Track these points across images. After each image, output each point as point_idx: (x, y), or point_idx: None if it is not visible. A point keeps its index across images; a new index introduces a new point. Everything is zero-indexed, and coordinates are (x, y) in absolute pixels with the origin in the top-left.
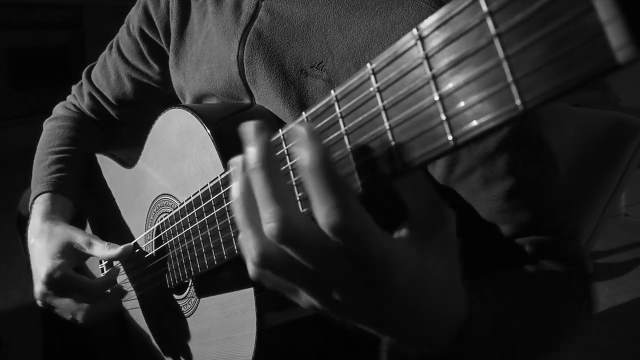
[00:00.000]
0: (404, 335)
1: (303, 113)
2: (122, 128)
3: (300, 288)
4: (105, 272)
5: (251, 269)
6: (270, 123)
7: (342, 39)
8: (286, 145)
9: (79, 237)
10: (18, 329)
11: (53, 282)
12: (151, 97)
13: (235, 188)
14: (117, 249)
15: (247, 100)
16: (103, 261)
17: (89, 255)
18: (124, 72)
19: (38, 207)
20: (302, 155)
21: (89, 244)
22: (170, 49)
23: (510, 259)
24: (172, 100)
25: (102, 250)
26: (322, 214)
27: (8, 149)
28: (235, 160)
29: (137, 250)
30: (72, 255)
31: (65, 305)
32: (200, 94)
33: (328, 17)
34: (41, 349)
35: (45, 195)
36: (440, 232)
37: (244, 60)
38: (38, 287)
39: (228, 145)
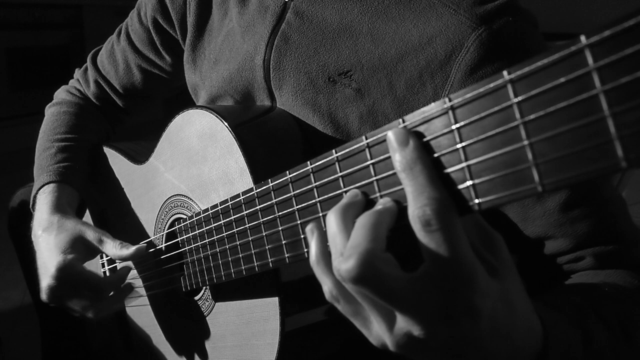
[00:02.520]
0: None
1: (363, 137)
2: (126, 117)
3: (377, 320)
4: (108, 268)
5: (329, 288)
6: (293, 127)
7: (374, 49)
8: (340, 168)
9: (90, 233)
10: (18, 329)
11: (63, 278)
12: (160, 88)
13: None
14: (129, 249)
15: (267, 103)
16: (104, 256)
17: (99, 252)
18: (134, 62)
19: (45, 198)
20: (400, 157)
21: (100, 241)
22: (187, 44)
23: (555, 277)
24: (180, 92)
25: (113, 249)
26: (419, 205)
27: (8, 149)
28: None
29: (150, 250)
30: (82, 251)
31: (73, 302)
32: (217, 93)
33: (361, 27)
34: (40, 350)
35: (52, 185)
36: (498, 258)
37: (271, 66)
38: (46, 282)
39: (253, 150)
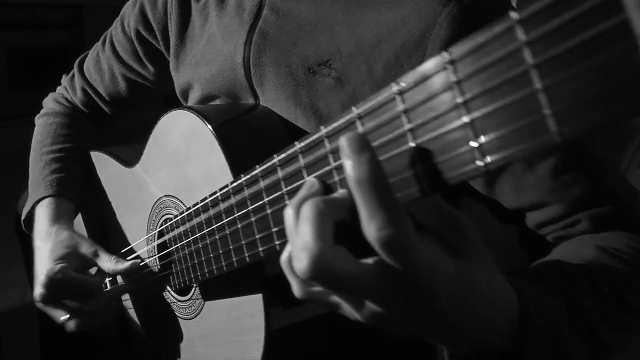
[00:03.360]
0: (457, 339)
1: (322, 127)
2: (114, 123)
3: (347, 306)
4: (108, 280)
5: (295, 288)
6: (277, 125)
7: (351, 36)
8: (303, 159)
9: (85, 246)
10: (18, 330)
11: (52, 284)
12: (145, 96)
13: (294, 200)
14: (124, 264)
15: (251, 101)
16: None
17: (93, 264)
18: (119, 71)
19: (43, 211)
20: (351, 168)
21: (96, 254)
22: (171, 52)
23: (554, 245)
24: (165, 99)
25: (108, 263)
26: (374, 228)
27: (8, 149)
28: (309, 179)
29: (130, 257)
30: (75, 262)
31: (62, 308)
32: (202, 95)
33: (336, 15)
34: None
35: (49, 199)
36: (464, 241)
37: (251, 63)
38: (38, 289)
39: (235, 148)
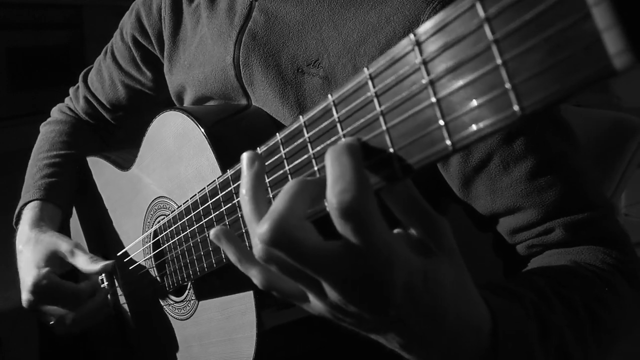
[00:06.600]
0: (420, 348)
1: (300, 117)
2: (118, 131)
3: (306, 291)
4: (107, 283)
5: (258, 278)
6: (267, 124)
7: (337, 35)
8: (284, 149)
9: (64, 246)
10: (18, 330)
11: (39, 291)
12: (145, 103)
13: (244, 181)
14: (96, 265)
15: (243, 101)
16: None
17: (71, 264)
18: (118, 78)
19: (27, 214)
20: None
21: (72, 253)
22: (165, 56)
23: (529, 255)
24: (166, 106)
25: (83, 263)
26: (336, 190)
27: (8, 149)
28: (245, 155)
29: (126, 259)
30: (57, 263)
31: (51, 312)
32: (196, 97)
33: (323, 15)
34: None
35: (35, 202)
36: (437, 243)
37: (240, 63)
38: (25, 296)
39: (225, 147)
